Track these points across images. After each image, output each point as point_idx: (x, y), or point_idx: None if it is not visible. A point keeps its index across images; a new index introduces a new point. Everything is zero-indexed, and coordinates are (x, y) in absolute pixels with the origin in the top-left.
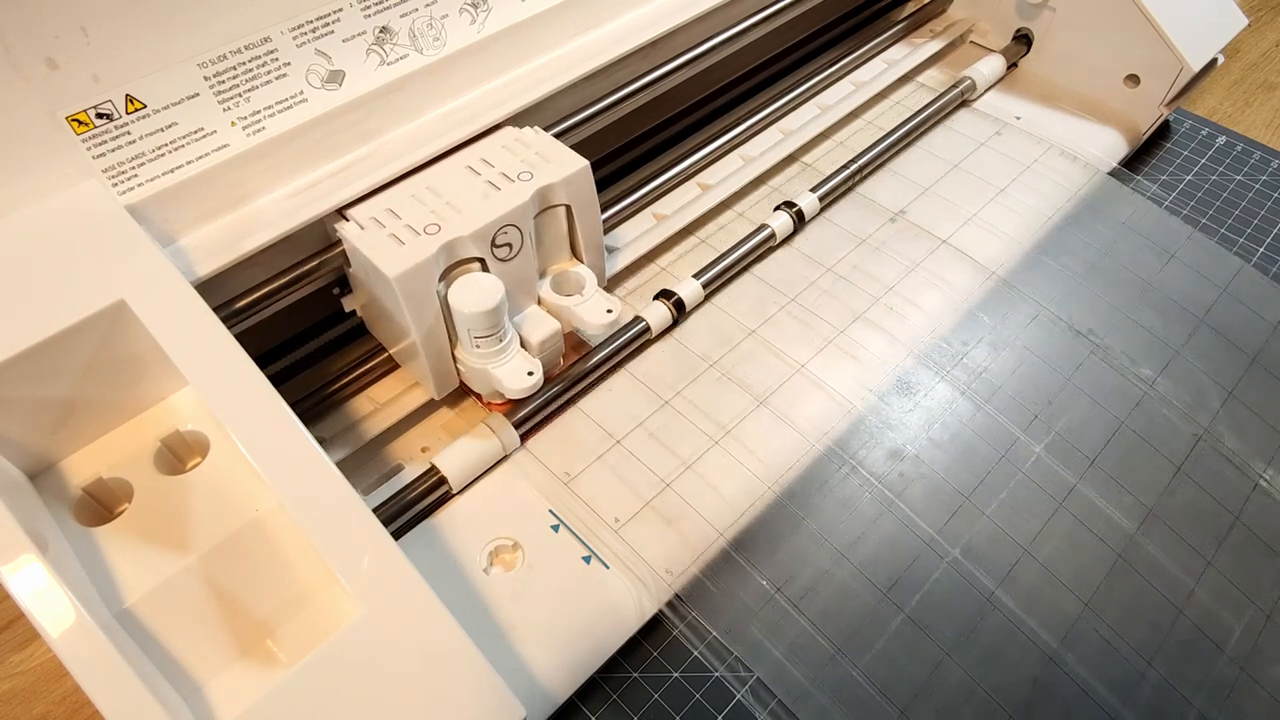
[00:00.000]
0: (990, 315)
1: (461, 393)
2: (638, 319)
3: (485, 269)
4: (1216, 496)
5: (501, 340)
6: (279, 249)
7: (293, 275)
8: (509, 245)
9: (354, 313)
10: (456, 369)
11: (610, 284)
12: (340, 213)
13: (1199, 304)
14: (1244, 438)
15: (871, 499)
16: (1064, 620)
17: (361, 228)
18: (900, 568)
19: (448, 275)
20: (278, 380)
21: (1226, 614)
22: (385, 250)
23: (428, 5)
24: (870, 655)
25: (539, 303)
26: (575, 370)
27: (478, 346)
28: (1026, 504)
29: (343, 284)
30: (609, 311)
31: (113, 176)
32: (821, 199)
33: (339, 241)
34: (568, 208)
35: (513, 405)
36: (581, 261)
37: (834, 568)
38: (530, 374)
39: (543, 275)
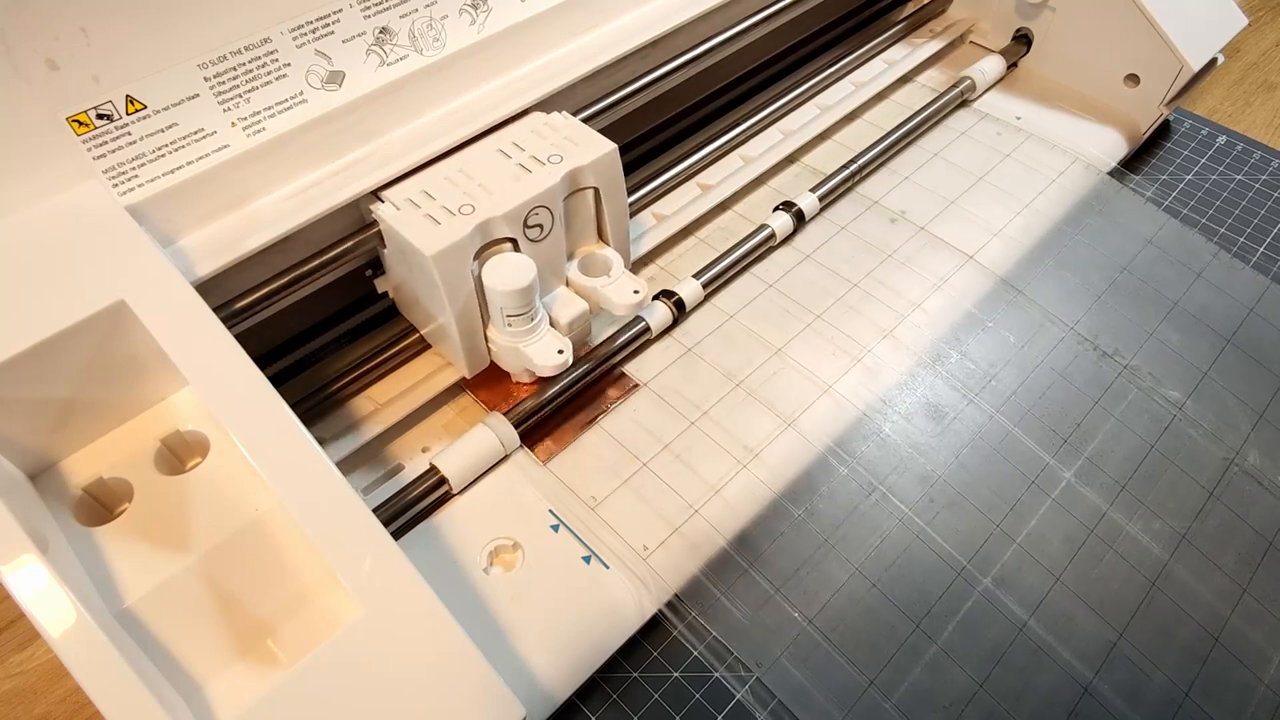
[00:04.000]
0: (1016, 335)
1: (463, 391)
2: (638, 318)
3: (517, 249)
4: (1249, 521)
5: (533, 319)
6: (279, 249)
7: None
8: (540, 226)
9: (355, 311)
10: (488, 348)
11: None
12: (375, 194)
13: (1224, 322)
14: (1275, 459)
15: (900, 525)
16: (1098, 650)
17: (397, 208)
18: (931, 596)
19: (481, 255)
20: (278, 380)
21: (1262, 641)
22: (422, 230)
23: (428, 6)
24: (903, 688)
25: (567, 284)
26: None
27: (509, 325)
28: (1057, 531)
29: (374, 266)
30: (636, 292)
31: (113, 177)
32: (821, 199)
33: (374, 223)
34: (595, 190)
35: (537, 386)
36: (608, 244)
37: (852, 583)
38: (560, 352)
39: (571, 257)
